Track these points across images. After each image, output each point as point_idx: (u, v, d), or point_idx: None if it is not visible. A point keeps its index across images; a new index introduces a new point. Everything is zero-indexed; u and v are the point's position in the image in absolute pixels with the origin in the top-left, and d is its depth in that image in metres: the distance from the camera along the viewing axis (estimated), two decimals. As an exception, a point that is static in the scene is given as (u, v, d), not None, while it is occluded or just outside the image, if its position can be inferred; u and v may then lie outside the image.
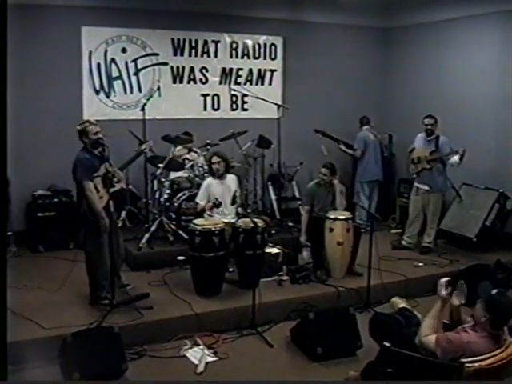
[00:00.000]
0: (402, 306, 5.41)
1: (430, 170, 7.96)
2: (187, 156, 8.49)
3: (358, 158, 9.39)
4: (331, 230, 7.00)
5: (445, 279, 4.41)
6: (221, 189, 7.20)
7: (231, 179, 7.34)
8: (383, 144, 9.76)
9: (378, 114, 10.10)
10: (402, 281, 7.05)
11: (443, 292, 4.35)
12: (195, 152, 8.59)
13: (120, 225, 7.61)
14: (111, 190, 5.95)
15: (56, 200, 8.14)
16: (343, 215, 7.08)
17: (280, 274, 6.95)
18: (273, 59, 9.86)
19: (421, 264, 7.65)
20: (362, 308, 6.43)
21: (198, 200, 7.22)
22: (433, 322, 4.29)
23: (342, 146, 9.47)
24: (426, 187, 8.05)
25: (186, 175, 8.17)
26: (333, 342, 5.44)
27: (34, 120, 8.17)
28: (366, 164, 9.35)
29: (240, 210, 7.50)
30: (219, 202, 6.97)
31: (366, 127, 9.44)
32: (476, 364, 3.88)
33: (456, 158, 7.63)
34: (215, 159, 7.21)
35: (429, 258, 7.85)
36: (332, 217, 7.04)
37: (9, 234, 7.93)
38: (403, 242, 8.34)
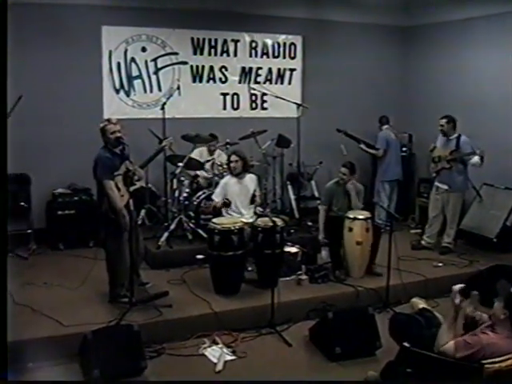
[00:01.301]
0: (422, 306, 5.38)
1: (450, 170, 7.91)
2: (209, 158, 8.50)
3: (379, 157, 9.34)
4: (350, 229, 6.98)
5: (458, 286, 4.35)
6: (238, 188, 7.21)
7: (250, 179, 7.34)
8: (402, 143, 9.74)
9: (398, 114, 10.05)
10: (421, 281, 7.00)
11: (456, 300, 4.29)
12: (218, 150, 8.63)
13: (139, 223, 7.64)
14: (132, 188, 5.97)
15: (76, 198, 8.20)
16: (362, 215, 7.05)
17: (299, 273, 6.94)
18: (292, 58, 9.86)
19: (440, 264, 7.60)
20: (381, 308, 6.39)
21: (213, 197, 7.24)
22: (449, 330, 4.25)
23: (363, 146, 9.43)
24: (446, 186, 8.00)
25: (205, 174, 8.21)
26: (352, 341, 5.42)
27: (55, 119, 8.23)
28: (387, 163, 9.30)
29: (258, 209, 7.49)
30: (229, 201, 6.99)
31: (386, 126, 9.40)
32: (496, 365, 3.85)
33: (477, 158, 7.58)
34: (233, 158, 7.21)
35: (448, 259, 7.80)
36: (351, 216, 7.02)
37: (29, 231, 8.03)
38: (423, 242, 8.29)
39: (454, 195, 8.00)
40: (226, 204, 7.01)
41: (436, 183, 8.16)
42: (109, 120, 6.03)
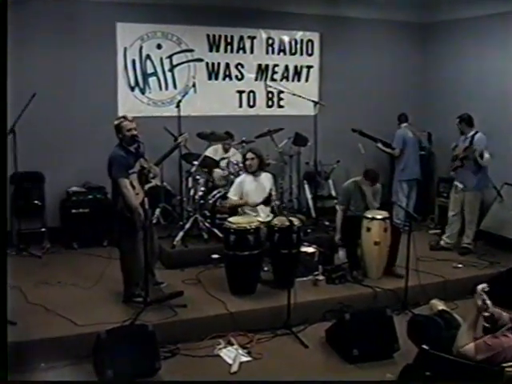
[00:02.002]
0: (441, 308, 5.36)
1: (463, 168, 7.92)
2: (225, 155, 8.51)
3: (396, 156, 9.29)
4: (368, 229, 6.96)
5: (482, 286, 4.31)
6: (254, 186, 7.20)
7: (266, 177, 7.33)
8: (421, 142, 9.68)
9: (417, 112, 9.99)
10: (440, 282, 6.97)
11: (479, 302, 4.26)
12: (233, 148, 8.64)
13: (154, 222, 7.65)
14: (147, 186, 5.99)
15: (90, 197, 8.24)
16: (381, 214, 7.02)
17: (315, 273, 6.93)
18: (309, 55, 9.84)
19: (460, 265, 7.56)
20: (399, 309, 6.36)
21: (229, 195, 7.23)
22: (469, 332, 4.21)
23: (380, 145, 9.39)
24: (461, 185, 7.99)
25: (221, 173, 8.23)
26: (369, 343, 5.39)
27: (69, 116, 8.28)
28: (405, 162, 9.25)
29: (275, 203, 7.48)
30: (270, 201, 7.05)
31: (405, 125, 9.35)
32: (517, 368, 3.83)
33: (488, 156, 7.60)
34: (249, 155, 7.21)
35: (468, 260, 7.76)
36: (369, 216, 6.99)
37: (42, 230, 8.09)
38: (442, 243, 8.25)
39: (470, 194, 7.96)
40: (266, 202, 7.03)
41: (454, 182, 8.14)
42: (124, 117, 6.05)
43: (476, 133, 7.89)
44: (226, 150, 8.63)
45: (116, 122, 5.99)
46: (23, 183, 7.95)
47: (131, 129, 5.92)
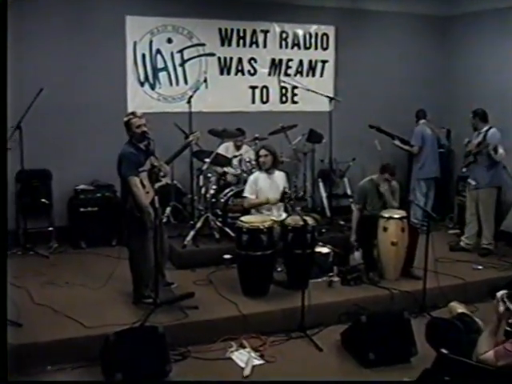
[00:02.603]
0: (460, 311, 5.34)
1: (476, 164, 7.91)
2: (237, 153, 8.51)
3: (415, 154, 9.25)
4: (385, 229, 6.94)
5: (501, 293, 4.27)
6: (268, 184, 7.20)
7: (279, 176, 7.32)
8: (440, 139, 9.64)
9: (436, 108, 9.95)
10: (460, 284, 6.93)
11: (500, 308, 4.22)
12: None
13: (164, 221, 7.66)
14: (158, 184, 5.99)
15: (99, 195, 8.27)
16: (398, 214, 7.00)
17: (330, 274, 6.92)
18: (324, 49, 9.82)
19: (480, 267, 7.52)
20: (417, 312, 6.33)
21: (246, 194, 7.22)
22: (490, 339, 4.18)
23: (397, 142, 9.36)
24: (474, 182, 7.99)
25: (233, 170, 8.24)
26: (386, 347, 5.37)
27: (77, 113, 8.30)
28: (423, 160, 9.22)
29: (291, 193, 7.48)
30: (288, 195, 6.98)
31: (423, 121, 9.31)
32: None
33: (501, 150, 7.62)
34: (263, 152, 7.21)
35: (488, 261, 7.72)
36: (386, 215, 6.97)
37: (50, 229, 8.12)
38: (461, 243, 8.21)
39: (484, 191, 7.95)
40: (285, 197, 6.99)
41: (468, 179, 8.14)
42: (133, 113, 6.06)
43: (490, 128, 7.88)
44: (237, 148, 8.64)
45: (125, 119, 6.01)
46: (30, 181, 7.98)
47: (140, 125, 5.93)
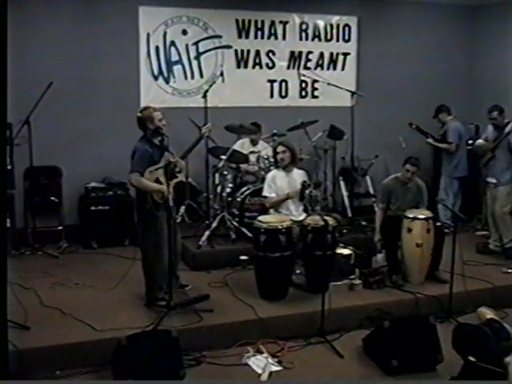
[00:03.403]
0: (489, 316, 5.30)
1: (494, 160, 7.87)
2: (253, 149, 8.51)
3: (451, 152, 9.17)
4: (409, 230, 6.90)
5: None
6: (286, 182, 7.18)
7: (298, 174, 7.28)
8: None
9: (463, 102, 9.91)
10: (488, 288, 6.87)
11: None
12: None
13: (178, 221, 7.67)
14: (174, 181, 6.00)
15: (110, 193, 8.30)
16: (423, 214, 6.96)
17: (352, 277, 6.88)
18: (346, 41, 9.80)
19: (510, 270, 7.45)
20: (443, 318, 6.28)
21: (266, 194, 7.20)
22: None
23: (431, 140, 9.26)
24: (494, 180, 7.96)
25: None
26: (410, 354, 5.34)
27: (88, 107, 8.34)
28: (459, 158, 9.16)
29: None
30: (308, 183, 6.87)
31: (450, 117, 9.23)
32: None
33: None
34: (280, 148, 7.19)
35: (518, 264, 7.68)
36: (411, 216, 6.93)
37: (59, 228, 8.15)
38: (490, 246, 8.16)
39: (504, 189, 7.90)
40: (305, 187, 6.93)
41: (487, 178, 8.12)
42: (154, 108, 6.08)
43: (508, 123, 7.85)
44: (253, 144, 8.63)
45: (145, 113, 6.00)
46: (39, 178, 8.03)
47: (162, 119, 5.98)
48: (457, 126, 9.17)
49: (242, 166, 8.24)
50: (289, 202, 7.13)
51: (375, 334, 5.62)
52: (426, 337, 5.45)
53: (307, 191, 6.79)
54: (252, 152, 8.41)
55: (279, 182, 7.14)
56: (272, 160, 7.82)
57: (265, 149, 8.46)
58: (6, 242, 4.45)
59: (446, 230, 7.42)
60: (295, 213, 7.14)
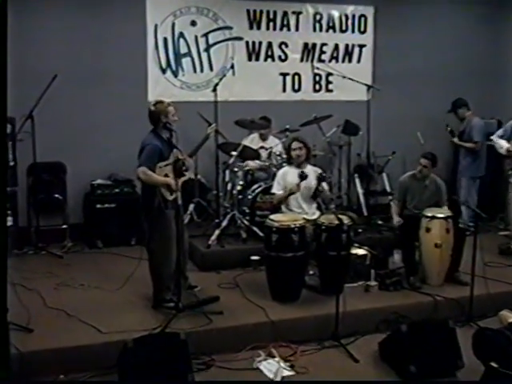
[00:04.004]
0: (511, 320, 5.26)
1: None
2: (263, 144, 8.50)
3: (477, 151, 9.10)
4: (428, 229, 6.87)
5: None
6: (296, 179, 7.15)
7: (312, 171, 7.24)
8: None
9: (484, 96, 9.85)
10: (511, 291, 6.85)
11: None
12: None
13: (187, 220, 7.69)
14: (182, 179, 6.01)
15: (117, 190, 8.32)
16: (442, 213, 6.94)
17: (367, 279, 6.88)
18: (362, 33, 9.77)
19: (534, 272, 7.44)
20: (463, 321, 6.26)
21: (274, 191, 7.21)
22: None
23: (456, 140, 9.16)
24: None
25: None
26: (429, 359, 5.31)
27: (94, 102, 8.35)
28: (481, 156, 9.11)
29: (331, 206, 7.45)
30: (306, 174, 6.88)
31: (470, 113, 9.14)
32: None
33: None
34: (296, 145, 7.18)
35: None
36: (429, 214, 6.90)
37: (64, 227, 8.17)
38: (513, 246, 8.15)
39: None
40: (303, 177, 6.89)
41: (510, 171, 8.11)
42: (168, 102, 6.08)
43: None
44: (263, 139, 8.62)
45: (161, 107, 5.99)
46: (42, 175, 8.05)
47: (175, 114, 5.99)
48: (480, 124, 9.07)
49: (250, 162, 8.24)
50: (299, 199, 7.12)
51: (392, 338, 5.60)
52: (445, 341, 5.43)
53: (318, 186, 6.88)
54: (262, 147, 8.39)
55: (290, 179, 7.11)
56: (284, 156, 7.81)
57: (276, 145, 8.44)
58: (6, 242, 4.47)
59: (467, 233, 7.38)
60: (308, 211, 7.13)
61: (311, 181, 7.13)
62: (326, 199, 7.47)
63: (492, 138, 8.34)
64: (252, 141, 8.54)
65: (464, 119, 9.14)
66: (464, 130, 9.13)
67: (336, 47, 9.66)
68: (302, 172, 6.87)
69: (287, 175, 7.18)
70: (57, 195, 8.15)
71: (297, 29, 9.41)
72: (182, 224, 6.35)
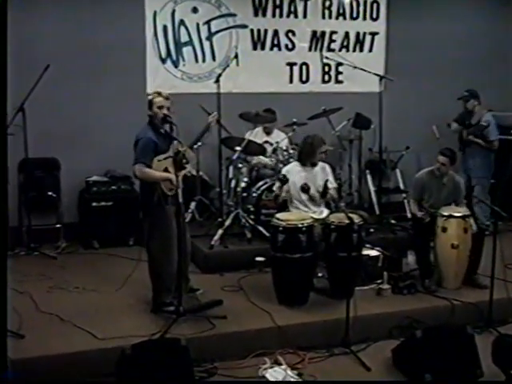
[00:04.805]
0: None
1: None
2: (267, 139, 8.49)
3: (494, 149, 9.04)
4: (444, 229, 6.86)
5: None
6: (303, 177, 7.14)
7: (321, 168, 7.27)
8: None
9: (500, 89, 9.84)
10: (533, 295, 6.85)
11: None
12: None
13: (188, 218, 7.68)
14: (182, 172, 6.00)
15: (114, 187, 8.33)
16: (459, 212, 6.92)
17: (379, 281, 6.88)
18: (374, 20, 9.78)
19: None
20: (482, 327, 6.24)
21: (275, 188, 7.18)
22: None
23: (472, 137, 9.10)
24: None
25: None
26: (445, 367, 5.29)
27: (89, 94, 8.37)
28: (495, 154, 9.07)
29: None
30: (286, 178, 6.90)
31: (480, 106, 9.04)
32: None
33: None
34: (324, 148, 7.16)
35: None
36: (445, 213, 6.89)
37: (57, 226, 8.17)
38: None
39: None
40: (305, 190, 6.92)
41: None
42: (159, 93, 6.06)
43: None
44: (267, 133, 8.61)
45: (149, 97, 6.02)
46: (35, 171, 8.05)
47: (162, 107, 5.94)
48: (495, 122, 9.04)
49: (262, 158, 8.24)
50: (306, 198, 7.12)
51: (406, 345, 5.59)
52: (463, 349, 5.41)
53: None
54: (266, 142, 8.39)
55: (293, 177, 7.09)
56: (291, 151, 7.80)
57: (283, 140, 8.43)
58: (6, 242, 4.49)
59: (486, 232, 7.36)
60: (316, 210, 7.13)
61: (318, 178, 7.14)
62: (331, 199, 7.43)
63: None
64: (256, 135, 8.52)
65: (471, 112, 9.05)
66: (471, 124, 9.04)
67: (346, 35, 9.66)
68: (284, 176, 6.91)
69: (292, 175, 7.14)
70: (50, 193, 8.16)
71: (305, 16, 9.41)
72: (184, 222, 6.35)
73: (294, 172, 7.17)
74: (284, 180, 6.89)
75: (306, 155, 7.21)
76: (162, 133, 5.99)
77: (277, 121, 8.57)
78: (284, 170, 7.24)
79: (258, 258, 7.25)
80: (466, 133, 9.02)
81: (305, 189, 6.94)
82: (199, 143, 7.21)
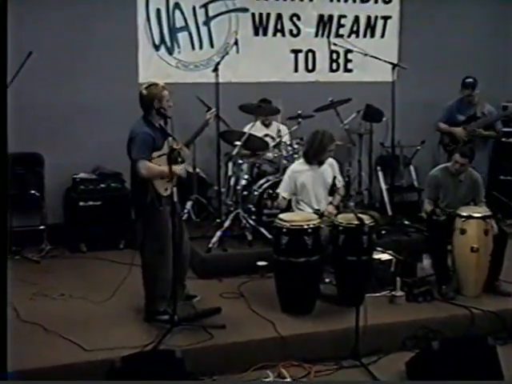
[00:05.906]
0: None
1: None
2: (267, 132, 8.49)
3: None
4: (463, 231, 6.85)
5: None
6: (311, 177, 7.17)
7: (329, 164, 7.29)
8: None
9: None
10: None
11: None
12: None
13: (184, 219, 7.68)
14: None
15: (103, 186, 8.33)
16: (479, 212, 6.92)
17: (392, 288, 6.87)
18: (387, 3, 9.80)
19: None
20: (504, 338, 6.26)
21: (280, 191, 7.15)
22: None
23: (481, 130, 9.09)
24: None
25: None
26: (465, 381, 5.29)
27: (76, 83, 8.36)
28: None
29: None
30: (275, 193, 6.91)
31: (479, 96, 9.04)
32: None
33: None
34: (334, 146, 7.17)
35: None
36: (464, 214, 6.88)
37: (41, 228, 8.16)
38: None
39: None
40: (273, 197, 6.92)
41: None
42: (163, 86, 6.05)
43: None
44: (266, 125, 8.61)
45: (155, 91, 5.95)
46: (15, 168, 8.01)
47: (169, 100, 5.98)
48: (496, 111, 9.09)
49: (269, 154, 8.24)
50: (313, 199, 7.15)
51: (421, 358, 5.59)
52: (483, 361, 5.40)
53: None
54: (267, 135, 8.40)
55: (302, 178, 7.12)
56: (296, 146, 7.81)
57: (286, 134, 8.43)
58: (6, 242, 4.50)
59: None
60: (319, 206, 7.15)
61: (326, 176, 7.17)
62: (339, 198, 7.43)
63: None
64: (254, 128, 8.49)
65: (471, 102, 9.03)
66: (476, 116, 9.02)
67: (356, 20, 9.68)
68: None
69: (298, 173, 7.15)
70: (33, 191, 8.15)
71: (311, -2, 9.41)
72: (181, 223, 6.35)
73: (303, 173, 7.18)
74: (274, 197, 6.89)
75: (314, 153, 7.21)
76: (157, 128, 5.99)
77: (280, 113, 8.55)
78: (289, 171, 7.24)
79: (260, 263, 7.27)
80: (472, 126, 8.99)
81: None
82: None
